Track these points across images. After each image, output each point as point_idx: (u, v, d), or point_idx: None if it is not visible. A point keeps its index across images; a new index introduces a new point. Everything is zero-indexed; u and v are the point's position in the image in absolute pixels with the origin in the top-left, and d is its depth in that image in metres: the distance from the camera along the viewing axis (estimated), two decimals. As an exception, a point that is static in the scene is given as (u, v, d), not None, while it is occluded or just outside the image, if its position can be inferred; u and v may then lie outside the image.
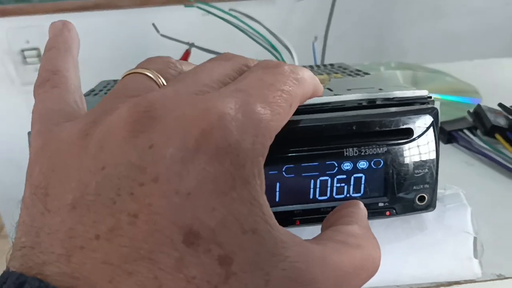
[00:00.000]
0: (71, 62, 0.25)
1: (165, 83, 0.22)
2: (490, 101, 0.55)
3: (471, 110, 0.53)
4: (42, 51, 1.34)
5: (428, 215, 0.33)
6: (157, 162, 0.17)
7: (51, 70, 0.24)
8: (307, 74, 0.23)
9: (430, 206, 0.31)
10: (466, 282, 0.33)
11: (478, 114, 0.51)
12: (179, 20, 1.20)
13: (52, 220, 0.17)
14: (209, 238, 0.16)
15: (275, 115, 0.19)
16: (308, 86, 0.23)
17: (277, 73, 0.21)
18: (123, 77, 0.23)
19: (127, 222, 0.16)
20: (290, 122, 0.28)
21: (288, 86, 0.21)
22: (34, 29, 1.33)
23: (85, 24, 1.32)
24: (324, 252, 0.19)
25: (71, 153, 0.18)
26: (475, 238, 0.33)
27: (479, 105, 0.52)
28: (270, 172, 0.29)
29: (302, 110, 0.30)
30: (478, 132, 0.51)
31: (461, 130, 0.51)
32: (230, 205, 0.17)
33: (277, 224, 0.18)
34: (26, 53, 1.34)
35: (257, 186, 0.18)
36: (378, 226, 0.33)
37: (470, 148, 0.50)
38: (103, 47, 1.31)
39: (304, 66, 0.50)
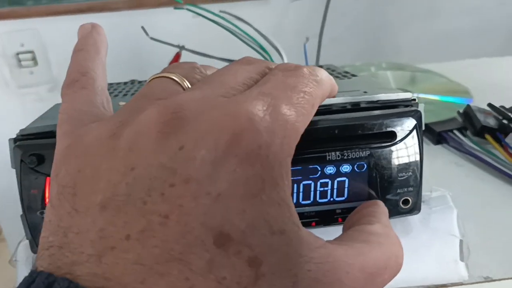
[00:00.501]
0: (100, 64, 0.25)
1: (190, 87, 0.22)
2: (481, 101, 0.55)
3: (461, 111, 0.53)
4: (36, 54, 1.34)
5: (414, 218, 0.33)
6: (188, 164, 0.17)
7: (80, 71, 0.24)
8: (325, 75, 0.24)
9: (414, 209, 0.31)
10: (452, 285, 0.33)
11: (468, 114, 0.51)
12: (171, 22, 1.20)
13: (81, 220, 0.17)
14: (239, 240, 0.16)
15: (300, 116, 0.20)
16: (326, 87, 0.23)
17: (298, 75, 0.21)
18: (149, 81, 0.23)
19: (158, 223, 0.16)
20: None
21: (309, 88, 0.21)
22: (29, 32, 1.33)
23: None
24: (347, 253, 0.19)
25: (100, 154, 0.18)
26: (461, 241, 0.33)
27: (468, 106, 0.52)
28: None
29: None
30: (468, 132, 0.51)
31: (451, 130, 0.51)
32: (260, 207, 0.17)
33: (301, 225, 0.18)
34: (20, 56, 1.34)
35: (285, 187, 0.18)
36: (364, 230, 0.33)
37: (460, 148, 0.49)
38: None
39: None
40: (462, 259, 0.33)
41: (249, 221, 0.16)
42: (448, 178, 0.46)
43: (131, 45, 1.33)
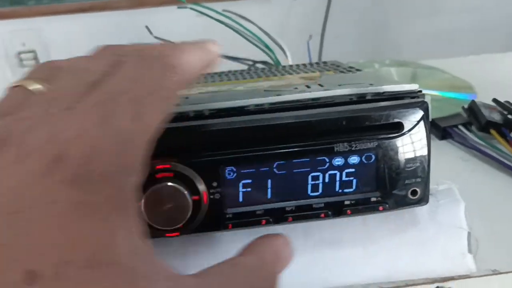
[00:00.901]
0: None
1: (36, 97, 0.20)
2: (485, 97, 0.55)
3: (466, 106, 0.53)
4: (38, 54, 1.34)
5: (421, 211, 0.33)
6: None
7: None
8: (186, 56, 0.21)
9: (422, 200, 0.31)
10: (460, 277, 0.33)
11: (473, 110, 0.51)
12: (172, 21, 1.20)
13: None
14: (54, 277, 0.15)
15: (142, 121, 0.18)
16: (190, 69, 0.21)
17: (145, 67, 0.20)
18: (7, 89, 0.21)
19: None
20: (280, 118, 0.29)
21: (159, 81, 0.19)
22: (31, 31, 1.33)
23: (81, 26, 1.32)
24: (197, 285, 0.18)
25: None
26: (468, 233, 0.33)
27: (473, 101, 0.52)
28: (261, 169, 0.29)
29: (292, 106, 0.29)
30: (473, 127, 0.51)
31: (456, 126, 0.51)
32: (78, 239, 0.15)
33: (148, 254, 0.17)
34: (22, 55, 1.34)
35: (117, 215, 0.16)
36: (371, 222, 0.33)
37: (465, 144, 0.49)
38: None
39: (297, 65, 0.50)
40: (470, 251, 0.32)
41: (67, 256, 0.15)
42: (454, 172, 0.46)
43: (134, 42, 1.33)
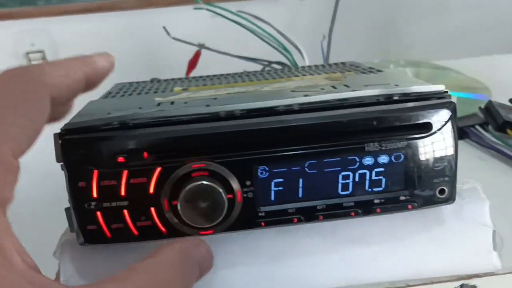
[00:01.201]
0: None
1: None
2: (499, 97, 0.56)
3: (482, 106, 0.53)
4: (47, 54, 1.35)
5: (446, 209, 0.34)
6: None
7: None
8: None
9: (450, 198, 0.31)
10: (485, 275, 0.33)
11: (490, 110, 0.52)
12: (181, 21, 1.20)
13: None
14: None
15: None
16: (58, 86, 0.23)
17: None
18: None
19: None
20: (312, 119, 0.29)
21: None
22: (39, 32, 1.34)
23: (90, 26, 1.33)
24: None
25: None
26: (494, 231, 0.33)
27: (490, 101, 0.53)
28: (293, 168, 0.29)
29: (321, 107, 0.30)
30: (490, 127, 0.52)
31: (473, 126, 0.52)
32: None
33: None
34: (31, 55, 1.35)
35: None
36: (397, 220, 0.33)
37: (482, 143, 0.50)
38: (109, 49, 1.31)
39: (316, 66, 0.50)
40: (495, 249, 0.33)
41: None
42: (472, 172, 0.46)
43: (141, 44, 1.34)
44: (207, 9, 0.60)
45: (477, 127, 0.51)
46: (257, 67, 0.63)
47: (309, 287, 0.32)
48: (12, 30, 1.29)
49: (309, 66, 0.51)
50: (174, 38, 0.58)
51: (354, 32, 1.37)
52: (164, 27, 0.59)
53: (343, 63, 0.50)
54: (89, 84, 0.28)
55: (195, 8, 0.61)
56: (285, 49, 0.57)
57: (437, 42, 1.44)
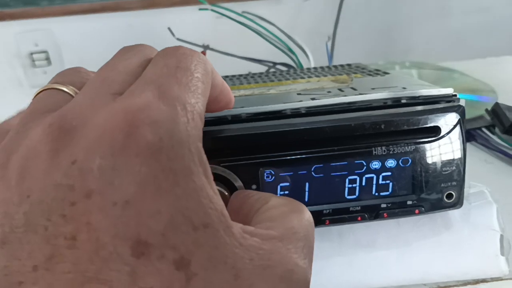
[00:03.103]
0: None
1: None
2: (506, 99, 0.55)
3: (489, 109, 0.53)
4: (50, 54, 1.35)
5: (454, 213, 0.33)
6: (84, 176, 0.15)
7: None
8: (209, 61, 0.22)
9: (457, 203, 0.31)
10: (493, 279, 0.33)
11: (496, 112, 0.51)
12: (184, 21, 1.20)
13: None
14: (160, 244, 0.15)
15: (196, 95, 0.19)
16: (215, 72, 0.22)
17: (179, 55, 0.20)
18: (35, 95, 0.21)
19: (65, 246, 0.15)
20: (319, 122, 0.29)
21: (194, 64, 0.20)
22: (43, 32, 1.33)
23: (93, 27, 1.33)
24: (278, 233, 0.18)
25: None
26: (501, 236, 0.33)
27: (497, 103, 0.52)
28: (299, 172, 0.29)
29: (328, 110, 0.30)
30: (497, 130, 0.51)
31: (479, 128, 0.51)
32: (175, 203, 0.16)
33: (227, 213, 0.17)
34: (34, 56, 1.34)
35: (201, 175, 0.17)
36: (405, 225, 0.33)
37: (489, 146, 0.50)
38: (113, 50, 1.31)
39: (321, 67, 0.50)
40: (502, 253, 0.33)
41: (166, 222, 0.15)
42: (479, 175, 0.45)
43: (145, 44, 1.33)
44: (212, 10, 0.60)
45: (484, 129, 0.51)
46: (262, 68, 0.63)
47: (315, 292, 0.32)
48: (15, 30, 1.29)
49: (315, 68, 0.50)
50: (178, 39, 0.58)
51: (356, 34, 1.37)
52: (169, 28, 0.59)
53: (348, 65, 0.49)
54: None
55: (200, 9, 0.61)
56: (290, 50, 0.57)
57: (439, 44, 1.43)
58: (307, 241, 0.19)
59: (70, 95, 0.21)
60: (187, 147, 0.17)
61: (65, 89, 0.21)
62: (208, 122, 0.29)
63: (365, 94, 0.31)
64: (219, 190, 0.27)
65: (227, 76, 0.47)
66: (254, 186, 0.29)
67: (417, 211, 0.30)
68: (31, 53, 1.34)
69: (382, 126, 0.29)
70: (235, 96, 0.35)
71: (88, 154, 0.16)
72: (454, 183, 0.30)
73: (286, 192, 0.29)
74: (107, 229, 0.15)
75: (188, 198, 0.16)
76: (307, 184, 0.29)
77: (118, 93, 0.18)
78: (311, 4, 1.36)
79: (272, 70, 0.61)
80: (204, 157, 0.17)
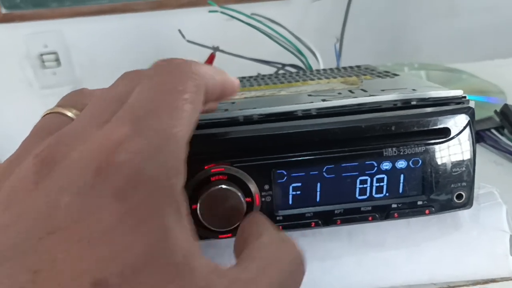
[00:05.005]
0: None
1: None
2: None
3: (498, 110, 0.53)
4: (60, 55, 1.36)
5: (463, 214, 0.34)
6: (53, 213, 0.16)
7: None
8: (204, 69, 0.21)
9: (467, 204, 0.31)
10: (502, 279, 0.33)
11: (505, 113, 0.52)
12: (192, 23, 1.21)
13: None
14: (119, 284, 0.15)
15: (180, 121, 0.18)
16: (208, 79, 0.21)
17: (166, 74, 0.20)
18: (42, 116, 0.23)
19: (27, 281, 0.15)
20: (331, 124, 0.29)
21: (184, 82, 0.19)
22: (53, 33, 1.35)
23: (102, 28, 1.34)
24: (251, 273, 0.18)
25: None
26: (511, 236, 0.33)
27: (506, 105, 0.53)
28: (311, 173, 0.30)
29: (339, 111, 0.30)
30: (506, 131, 0.52)
31: (488, 129, 0.51)
32: (138, 244, 0.15)
33: (199, 252, 0.17)
34: (44, 57, 1.35)
35: (170, 214, 0.16)
36: (414, 225, 0.33)
37: (498, 147, 0.50)
38: (122, 51, 1.32)
39: (330, 69, 0.50)
40: (512, 254, 0.33)
41: (128, 262, 0.15)
42: (488, 176, 0.46)
43: (153, 46, 1.34)
44: (222, 12, 0.60)
45: (493, 130, 0.51)
46: (270, 70, 0.63)
47: (325, 291, 0.33)
48: (25, 32, 1.30)
49: (324, 70, 0.51)
50: (189, 41, 0.59)
51: (364, 35, 1.37)
52: (179, 30, 0.59)
53: (358, 67, 0.50)
54: None
55: (210, 11, 0.61)
56: (299, 52, 0.57)
57: (447, 45, 1.43)
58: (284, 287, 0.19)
59: (71, 118, 0.22)
60: (158, 184, 0.16)
61: (67, 112, 0.22)
62: (220, 123, 0.30)
63: (375, 95, 0.31)
64: (232, 191, 0.28)
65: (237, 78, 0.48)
66: (266, 186, 0.29)
67: (427, 211, 0.31)
68: (41, 54, 1.35)
69: (393, 128, 0.29)
70: (245, 98, 0.35)
71: (59, 191, 0.16)
72: (464, 183, 0.31)
73: (298, 192, 0.30)
74: (68, 266, 0.15)
75: (153, 239, 0.16)
76: (318, 184, 0.30)
77: (107, 121, 0.18)
78: (319, 5, 1.36)
79: (281, 71, 0.62)
80: (178, 192, 0.17)
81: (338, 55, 0.66)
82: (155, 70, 0.20)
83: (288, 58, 0.63)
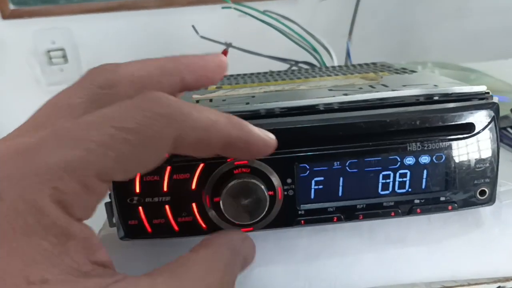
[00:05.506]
0: None
1: None
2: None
3: (513, 109, 0.53)
4: (67, 52, 1.36)
5: (485, 211, 0.33)
6: None
7: None
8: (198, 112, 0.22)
9: (490, 200, 0.31)
10: (524, 277, 0.33)
11: (521, 112, 0.51)
12: (202, 20, 1.21)
13: None
14: None
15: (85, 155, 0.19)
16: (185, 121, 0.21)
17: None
18: None
19: None
20: (354, 117, 0.29)
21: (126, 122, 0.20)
22: (60, 30, 1.34)
23: (110, 25, 1.34)
24: (155, 281, 0.19)
25: None
26: (532, 234, 0.33)
27: (521, 104, 0.52)
28: (334, 167, 0.29)
29: (361, 106, 0.30)
30: (521, 130, 0.51)
31: (505, 128, 0.51)
32: None
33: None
34: (52, 53, 1.35)
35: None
36: (435, 222, 0.33)
37: (514, 146, 0.49)
38: (131, 48, 1.32)
39: (346, 66, 0.50)
40: (534, 252, 0.33)
41: None
42: (506, 175, 0.45)
43: (163, 43, 1.34)
44: (235, 9, 0.60)
45: (509, 129, 0.51)
46: (281, 67, 0.63)
47: (345, 287, 0.32)
48: (33, 28, 1.30)
49: (340, 66, 0.51)
50: (202, 37, 0.59)
51: (372, 34, 1.36)
52: (193, 26, 0.59)
53: (374, 64, 0.49)
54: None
55: (223, 7, 0.61)
56: (313, 49, 0.57)
57: (456, 45, 1.42)
58: None
59: None
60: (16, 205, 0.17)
61: None
62: (242, 117, 0.29)
63: (397, 90, 0.31)
64: (255, 184, 0.28)
65: (252, 74, 0.47)
66: (289, 180, 0.29)
67: (450, 207, 0.30)
68: (48, 51, 1.35)
69: (417, 122, 0.29)
70: (265, 92, 0.35)
71: None
72: (487, 180, 0.30)
73: (320, 186, 0.30)
74: None
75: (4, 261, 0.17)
76: (341, 179, 0.30)
77: None
78: (328, 3, 1.36)
79: (293, 68, 0.62)
80: (40, 212, 0.17)
81: (350, 52, 0.66)
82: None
83: (300, 56, 0.62)
